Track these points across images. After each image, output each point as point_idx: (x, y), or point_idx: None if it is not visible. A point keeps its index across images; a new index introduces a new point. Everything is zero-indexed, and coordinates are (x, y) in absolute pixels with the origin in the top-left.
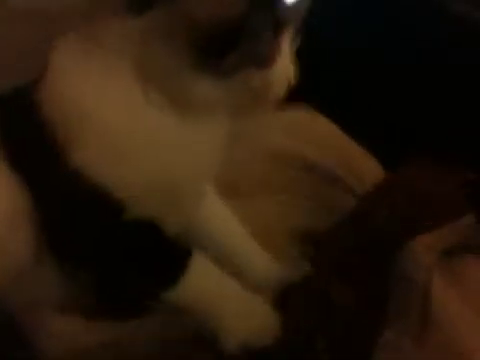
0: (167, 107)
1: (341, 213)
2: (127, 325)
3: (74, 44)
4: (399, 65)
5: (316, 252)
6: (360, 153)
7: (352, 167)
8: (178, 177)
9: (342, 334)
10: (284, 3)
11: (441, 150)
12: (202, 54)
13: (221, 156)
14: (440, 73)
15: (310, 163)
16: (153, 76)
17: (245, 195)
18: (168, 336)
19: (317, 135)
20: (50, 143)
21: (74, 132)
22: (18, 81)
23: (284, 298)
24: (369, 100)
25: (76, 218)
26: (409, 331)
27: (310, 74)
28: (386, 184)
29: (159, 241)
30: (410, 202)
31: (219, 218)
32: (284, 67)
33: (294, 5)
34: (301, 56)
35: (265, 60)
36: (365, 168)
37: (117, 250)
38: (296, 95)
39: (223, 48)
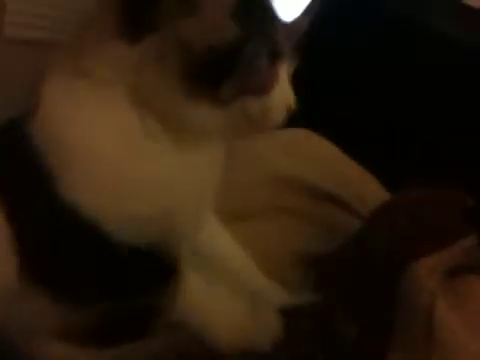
0: (163, 135)
1: (344, 236)
2: (124, 348)
3: (64, 75)
4: (400, 84)
5: (319, 277)
6: (361, 174)
7: (353, 188)
8: (176, 206)
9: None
10: (280, 28)
11: (442, 172)
12: (197, 81)
13: (219, 180)
14: (441, 93)
15: (310, 184)
16: (147, 104)
17: (245, 218)
18: (167, 357)
19: (316, 156)
20: (42, 176)
21: (66, 165)
22: (13, 111)
23: (286, 323)
24: (369, 120)
25: (68, 250)
26: (414, 354)
27: (308, 96)
28: (387, 206)
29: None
30: (411, 224)
31: (218, 241)
32: (283, 93)
33: (291, 28)
34: (300, 77)
35: (262, 87)
36: (367, 189)
37: (110, 274)
38: (295, 118)
39: (218, 75)
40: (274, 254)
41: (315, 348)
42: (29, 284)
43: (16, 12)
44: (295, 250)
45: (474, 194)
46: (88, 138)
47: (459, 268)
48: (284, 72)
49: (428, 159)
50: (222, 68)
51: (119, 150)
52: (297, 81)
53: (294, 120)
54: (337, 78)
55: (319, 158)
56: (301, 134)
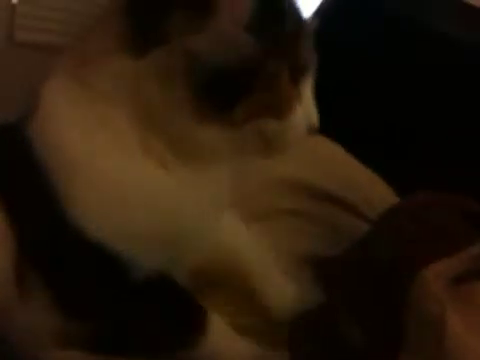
0: (167, 155)
1: (350, 238)
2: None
3: (66, 83)
4: (401, 84)
5: (324, 279)
6: (368, 176)
7: (360, 191)
8: (182, 227)
9: None
10: (306, 39)
11: (442, 172)
12: (206, 101)
13: (229, 196)
14: (441, 93)
15: (315, 187)
16: (151, 123)
17: (251, 220)
18: None
19: (322, 158)
20: (45, 191)
21: (66, 181)
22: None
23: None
24: (369, 119)
25: (72, 266)
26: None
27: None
28: (394, 211)
29: (174, 298)
30: (419, 229)
31: (234, 236)
32: (305, 112)
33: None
34: None
35: (282, 109)
36: (374, 192)
37: (128, 307)
38: None
39: (232, 95)
40: (280, 254)
41: (315, 348)
42: (33, 295)
43: (26, 16)
44: (300, 252)
45: (475, 194)
46: (87, 155)
47: (466, 274)
48: (308, 89)
49: (428, 159)
50: (236, 87)
51: (118, 169)
52: None
53: None
54: (338, 78)
55: (325, 160)
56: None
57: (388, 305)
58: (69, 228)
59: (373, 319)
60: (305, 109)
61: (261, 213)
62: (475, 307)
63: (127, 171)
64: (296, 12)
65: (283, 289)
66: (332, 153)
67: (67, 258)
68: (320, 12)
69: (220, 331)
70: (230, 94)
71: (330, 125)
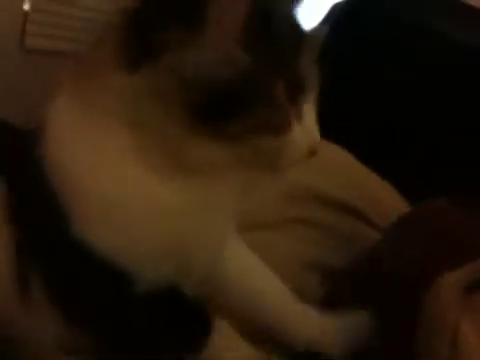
0: (168, 171)
1: (360, 245)
2: None
3: (70, 102)
4: (402, 85)
5: (333, 291)
6: (378, 183)
7: (370, 198)
8: (187, 243)
9: None
10: (307, 55)
11: (442, 172)
12: (201, 117)
13: (237, 210)
14: (442, 94)
15: (325, 195)
16: (151, 139)
17: (258, 228)
18: None
19: (333, 165)
20: (52, 203)
21: (72, 200)
22: (33, 121)
23: None
24: (370, 120)
25: (78, 281)
26: None
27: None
28: (407, 219)
29: (179, 305)
30: (432, 239)
31: (244, 267)
32: (305, 131)
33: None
34: None
35: (278, 127)
36: (385, 199)
37: (132, 314)
38: None
39: (226, 111)
40: (287, 263)
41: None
42: (36, 303)
43: (38, 23)
44: (309, 260)
45: (475, 194)
46: (91, 174)
47: (478, 283)
48: (309, 108)
49: (428, 159)
50: (231, 104)
51: (120, 186)
52: None
53: None
54: (338, 78)
55: (335, 168)
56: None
57: (401, 315)
58: (73, 241)
59: (386, 329)
60: (305, 127)
61: (269, 221)
62: None
63: (130, 187)
64: (294, 25)
65: (307, 319)
66: (342, 161)
67: (70, 269)
68: (328, 20)
69: (225, 335)
70: (223, 110)
71: (330, 125)
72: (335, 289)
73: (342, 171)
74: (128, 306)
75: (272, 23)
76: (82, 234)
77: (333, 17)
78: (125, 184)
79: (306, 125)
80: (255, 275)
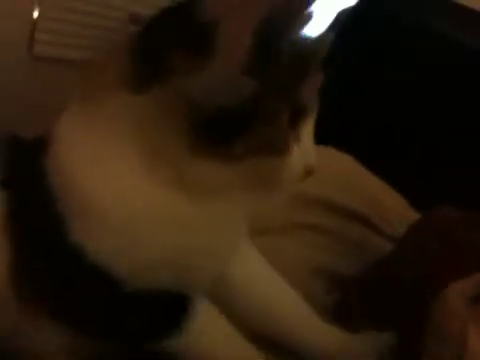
0: (174, 187)
1: (369, 254)
2: None
3: (78, 118)
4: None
5: (343, 300)
6: (384, 190)
7: (376, 205)
8: (190, 257)
9: None
10: (311, 78)
11: (449, 178)
12: (205, 138)
13: (245, 226)
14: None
15: (330, 201)
16: (157, 158)
17: (264, 233)
18: None
19: (339, 172)
20: (53, 215)
21: (74, 210)
22: (42, 128)
23: None
24: (377, 122)
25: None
26: None
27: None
28: (416, 228)
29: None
30: (441, 248)
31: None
32: (303, 153)
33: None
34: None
35: (279, 148)
36: (391, 206)
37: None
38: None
39: (229, 133)
40: (294, 268)
41: None
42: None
43: (46, 30)
44: (315, 266)
45: (475, 195)
46: (97, 188)
47: None
48: (308, 130)
49: (427, 159)
50: (234, 126)
51: (127, 201)
52: None
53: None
54: (338, 79)
55: (342, 174)
56: (322, 150)
57: (410, 323)
58: (70, 248)
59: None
60: (303, 149)
61: (276, 226)
62: None
63: (137, 202)
64: (300, 51)
65: (322, 333)
66: (347, 167)
67: (65, 273)
68: (334, 26)
69: (221, 330)
70: (228, 131)
71: (330, 126)
72: (344, 295)
73: (347, 178)
74: (115, 303)
75: (278, 51)
76: (80, 242)
77: (339, 24)
78: (132, 198)
79: (304, 147)
80: (265, 282)
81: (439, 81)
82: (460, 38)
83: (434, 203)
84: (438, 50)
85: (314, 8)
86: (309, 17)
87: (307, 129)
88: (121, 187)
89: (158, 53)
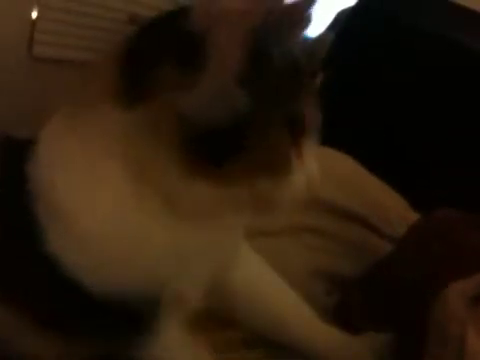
0: (159, 212)
1: (369, 255)
2: None
3: (62, 132)
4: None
5: (343, 301)
6: (384, 191)
7: (376, 206)
8: (171, 283)
9: None
10: (307, 95)
11: (449, 179)
12: (196, 157)
13: (239, 248)
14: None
15: (329, 203)
16: (144, 177)
17: (266, 235)
18: None
19: (340, 174)
20: (31, 218)
21: (53, 224)
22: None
23: None
24: (376, 123)
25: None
26: None
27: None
28: (417, 229)
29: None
30: (442, 249)
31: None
32: (305, 171)
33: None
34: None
35: (277, 167)
36: (391, 207)
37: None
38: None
39: (222, 151)
40: (294, 270)
41: None
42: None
43: (46, 31)
44: (315, 268)
45: (475, 195)
46: (78, 208)
47: None
48: (308, 146)
49: (427, 159)
50: (226, 143)
51: (110, 223)
52: None
53: None
54: (338, 79)
55: (342, 176)
56: (323, 152)
57: (410, 323)
58: (45, 261)
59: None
60: (305, 168)
61: (276, 228)
62: None
63: (119, 225)
64: (296, 64)
65: (325, 334)
66: (347, 169)
67: (38, 281)
68: (334, 27)
69: (174, 336)
70: (220, 149)
71: (330, 126)
72: (344, 296)
73: (347, 178)
74: (82, 309)
75: (271, 59)
76: (55, 253)
77: (339, 24)
78: (114, 221)
79: (306, 166)
80: (265, 283)
81: (438, 81)
82: (459, 39)
83: (434, 204)
84: (437, 51)
85: (314, 9)
86: (308, 21)
87: (308, 147)
88: (103, 207)
89: (146, 67)
